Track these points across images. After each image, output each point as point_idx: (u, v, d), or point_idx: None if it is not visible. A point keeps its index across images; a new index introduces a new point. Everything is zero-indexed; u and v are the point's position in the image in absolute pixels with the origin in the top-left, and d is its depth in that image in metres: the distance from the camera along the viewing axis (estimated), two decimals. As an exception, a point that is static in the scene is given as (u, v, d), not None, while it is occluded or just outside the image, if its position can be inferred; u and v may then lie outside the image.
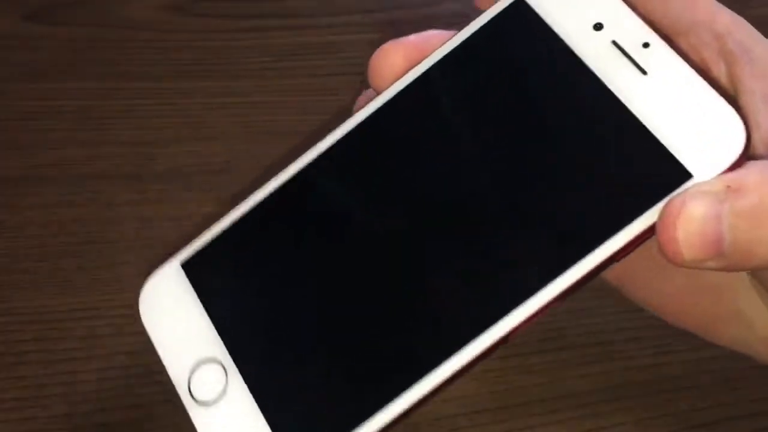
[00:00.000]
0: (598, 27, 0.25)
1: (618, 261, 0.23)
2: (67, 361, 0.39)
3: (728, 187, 0.22)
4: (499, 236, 0.24)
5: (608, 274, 0.23)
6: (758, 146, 0.24)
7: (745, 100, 0.24)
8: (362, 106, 0.27)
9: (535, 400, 0.39)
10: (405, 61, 0.27)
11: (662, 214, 0.22)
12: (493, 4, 0.27)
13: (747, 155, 0.23)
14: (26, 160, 0.47)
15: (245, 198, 0.27)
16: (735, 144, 0.23)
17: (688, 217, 0.22)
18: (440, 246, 0.25)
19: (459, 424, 0.37)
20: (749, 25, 0.26)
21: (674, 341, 0.32)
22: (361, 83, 0.28)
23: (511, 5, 0.26)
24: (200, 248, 0.27)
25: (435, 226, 0.25)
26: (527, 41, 0.26)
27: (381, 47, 0.27)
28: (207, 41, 0.55)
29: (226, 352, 0.25)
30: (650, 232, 0.23)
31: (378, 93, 0.27)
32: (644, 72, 0.24)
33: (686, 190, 0.23)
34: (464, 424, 0.37)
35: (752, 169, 0.23)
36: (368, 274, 0.25)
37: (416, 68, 0.27)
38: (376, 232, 0.25)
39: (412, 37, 0.27)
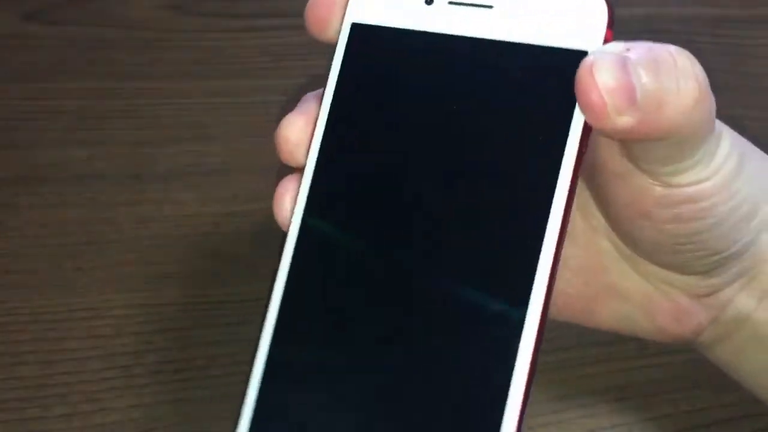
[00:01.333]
0: (429, 2, 0.26)
1: (584, 153, 0.24)
2: (67, 361, 0.39)
3: (626, 49, 0.24)
4: (488, 192, 0.25)
5: None
6: None
7: None
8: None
9: (535, 401, 0.38)
10: (306, 126, 0.28)
11: (578, 76, 0.23)
12: (323, 26, 0.28)
13: (613, 25, 0.24)
14: (26, 160, 0.47)
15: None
16: (603, 13, 0.24)
17: (600, 67, 0.23)
18: (441, 267, 0.25)
19: (459, 424, 0.37)
20: None
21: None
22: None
23: (350, 33, 0.28)
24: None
25: (428, 252, 0.25)
26: (384, 49, 0.27)
27: (281, 123, 0.28)
28: (207, 41, 0.55)
29: None
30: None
31: (293, 165, 0.28)
32: (490, 6, 0.26)
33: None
34: (464, 424, 0.37)
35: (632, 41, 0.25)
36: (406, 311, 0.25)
37: (318, 124, 0.27)
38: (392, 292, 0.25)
39: (298, 107, 0.28)
